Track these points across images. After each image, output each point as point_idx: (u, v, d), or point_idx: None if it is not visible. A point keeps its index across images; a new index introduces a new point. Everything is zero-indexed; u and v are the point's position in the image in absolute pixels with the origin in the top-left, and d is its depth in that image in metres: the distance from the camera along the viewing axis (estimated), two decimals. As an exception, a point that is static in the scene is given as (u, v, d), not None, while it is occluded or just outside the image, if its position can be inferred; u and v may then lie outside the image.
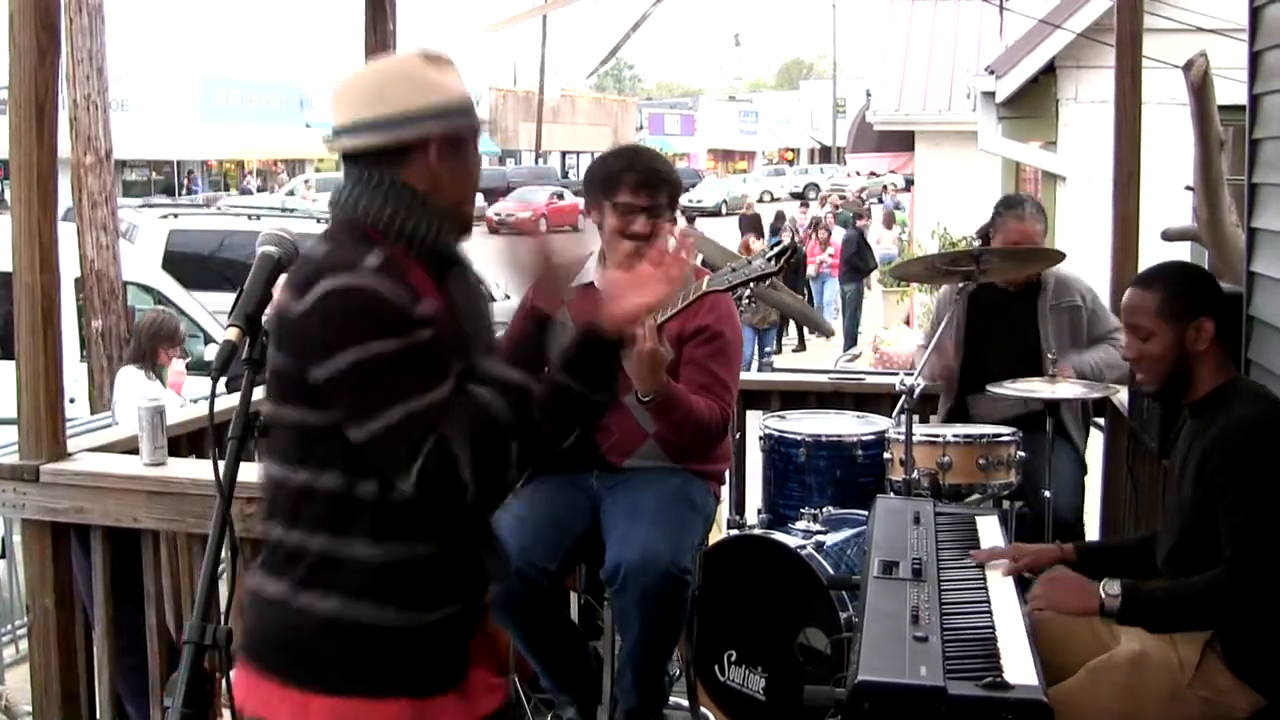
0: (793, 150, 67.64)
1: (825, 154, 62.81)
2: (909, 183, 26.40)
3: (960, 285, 4.18)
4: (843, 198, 27.88)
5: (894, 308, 16.67)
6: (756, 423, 4.41)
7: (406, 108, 2.00)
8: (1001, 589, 2.71)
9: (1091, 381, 4.03)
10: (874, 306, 17.87)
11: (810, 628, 3.42)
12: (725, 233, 20.32)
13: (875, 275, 17.68)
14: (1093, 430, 4.53)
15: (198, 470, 3.19)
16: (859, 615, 2.63)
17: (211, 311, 9.20)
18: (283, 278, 2.00)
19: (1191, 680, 2.53)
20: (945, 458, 3.80)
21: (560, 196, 36.08)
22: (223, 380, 1.92)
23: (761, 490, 4.22)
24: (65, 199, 5.47)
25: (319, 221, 12.62)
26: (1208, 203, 4.17)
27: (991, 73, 11.43)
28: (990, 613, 2.57)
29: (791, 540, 3.58)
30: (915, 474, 3.75)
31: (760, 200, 39.08)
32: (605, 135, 49.86)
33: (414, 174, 2.02)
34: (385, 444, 1.89)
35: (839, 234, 18.07)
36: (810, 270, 17.34)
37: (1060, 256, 4.31)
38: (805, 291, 15.87)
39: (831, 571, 3.43)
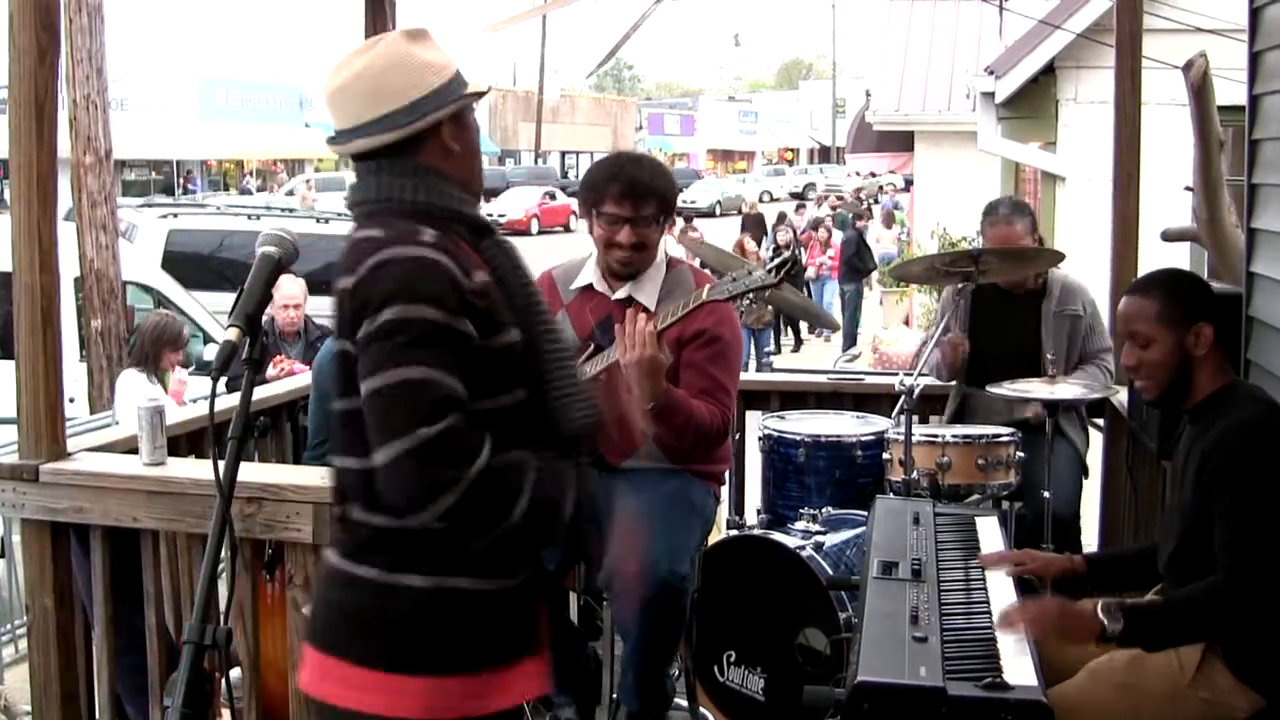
0: (792, 150, 67.63)
1: (825, 154, 62.79)
2: (908, 183, 26.39)
3: (959, 286, 4.19)
4: (840, 198, 27.87)
5: (893, 308, 16.67)
6: (756, 423, 4.42)
7: (411, 98, 2.01)
8: (1001, 589, 2.71)
9: (1089, 382, 4.04)
10: (873, 306, 17.87)
11: (810, 628, 3.43)
12: (721, 233, 20.33)
13: (875, 275, 17.68)
14: (1092, 432, 4.53)
15: (197, 470, 3.18)
16: (858, 616, 2.63)
17: (211, 311, 9.20)
18: (282, 278, 2.00)
19: (1191, 681, 2.53)
20: (944, 458, 3.80)
21: (552, 197, 36.01)
22: (223, 380, 1.92)
23: (761, 491, 4.22)
24: (65, 199, 5.47)
25: (318, 221, 12.64)
26: (1207, 203, 4.16)
27: (991, 73, 11.43)
28: (990, 613, 2.57)
29: (791, 541, 3.59)
30: (914, 474, 3.75)
31: (760, 200, 39.10)
32: (605, 135, 49.94)
33: (430, 154, 2.04)
34: (392, 397, 1.86)
35: (838, 235, 18.07)
36: (810, 272, 17.34)
37: (1060, 257, 4.32)
38: (805, 291, 15.86)
39: (831, 572, 3.43)
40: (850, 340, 15.76)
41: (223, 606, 1.92)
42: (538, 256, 3.29)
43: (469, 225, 2.05)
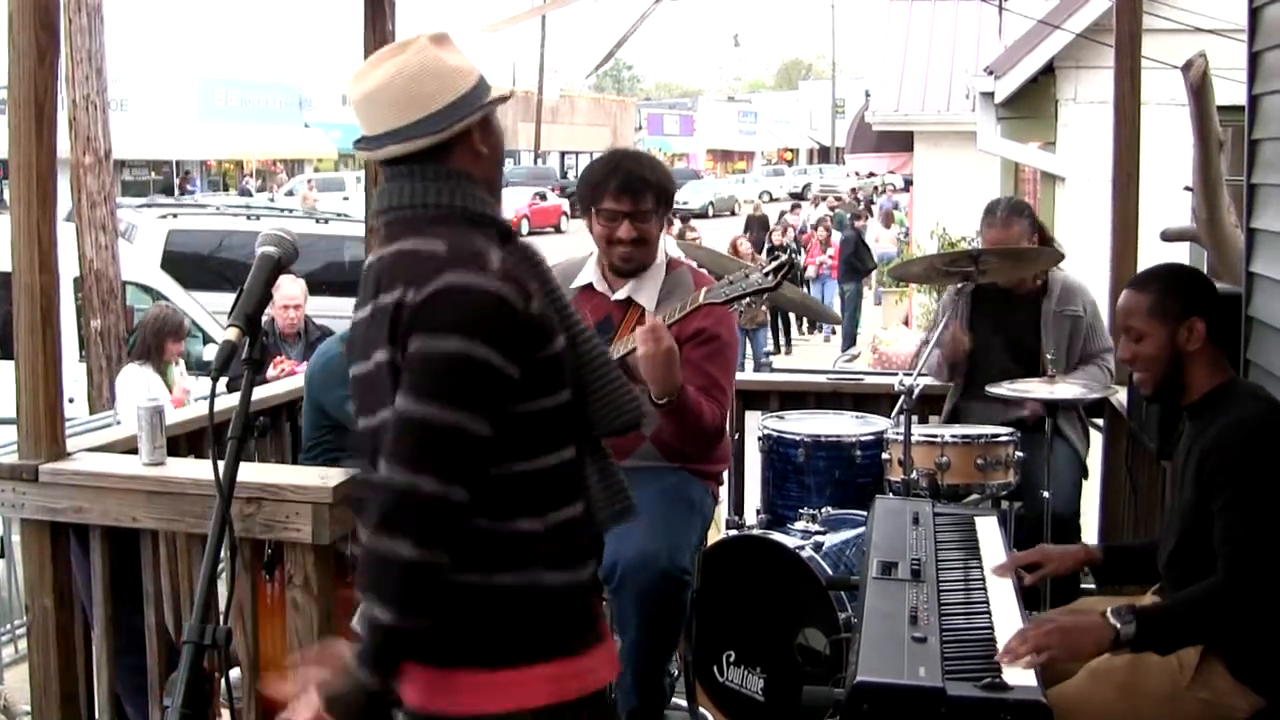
0: (792, 151, 67.63)
1: (824, 154, 62.77)
2: (908, 183, 26.38)
3: (959, 286, 4.19)
4: (838, 198, 27.87)
5: (893, 308, 16.68)
6: (755, 423, 4.41)
7: (443, 104, 2.01)
8: (1000, 590, 2.71)
9: (1089, 382, 4.04)
10: (872, 306, 17.88)
11: (809, 628, 3.42)
12: (715, 234, 20.33)
13: (874, 275, 17.69)
14: (1092, 432, 4.53)
15: (197, 470, 3.18)
16: (858, 616, 2.63)
17: (211, 312, 9.20)
18: (282, 278, 2.00)
19: (1191, 681, 2.53)
20: (943, 458, 3.80)
21: (543, 197, 35.92)
22: (223, 380, 1.92)
23: (760, 491, 4.22)
24: (65, 199, 5.47)
25: (317, 221, 12.64)
26: (1207, 203, 4.17)
27: (990, 73, 11.43)
28: (989, 613, 2.57)
29: (790, 541, 3.59)
30: (914, 474, 3.75)
31: (760, 200, 39.07)
32: (604, 136, 49.87)
33: (460, 159, 2.04)
34: (421, 433, 1.87)
35: (836, 235, 18.08)
36: (810, 271, 17.36)
37: (1060, 256, 4.32)
38: (805, 290, 15.87)
39: (830, 572, 3.43)
40: (850, 340, 15.78)
41: (222, 606, 1.92)
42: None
43: (498, 230, 2.06)
